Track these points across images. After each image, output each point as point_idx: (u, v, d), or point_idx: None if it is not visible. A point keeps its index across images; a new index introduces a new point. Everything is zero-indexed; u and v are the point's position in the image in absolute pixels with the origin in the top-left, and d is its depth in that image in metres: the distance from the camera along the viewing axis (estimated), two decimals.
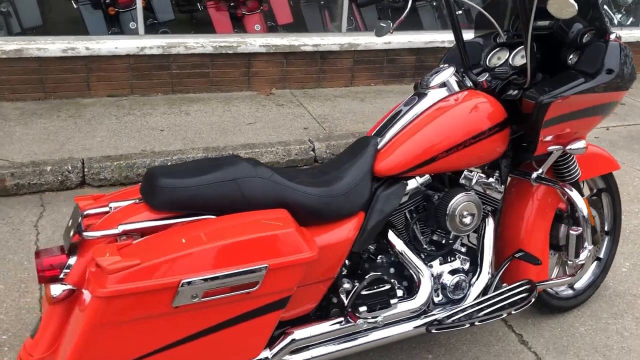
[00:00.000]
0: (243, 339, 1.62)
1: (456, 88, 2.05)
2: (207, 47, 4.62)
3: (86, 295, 1.54)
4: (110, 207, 1.78)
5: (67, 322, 1.64)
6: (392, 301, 1.87)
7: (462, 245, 2.15)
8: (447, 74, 2.05)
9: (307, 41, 4.92)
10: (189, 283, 1.46)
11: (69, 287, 1.59)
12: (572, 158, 2.21)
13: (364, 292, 1.84)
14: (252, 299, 1.57)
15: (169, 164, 3.45)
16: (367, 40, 5.07)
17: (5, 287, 2.49)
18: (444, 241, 2.10)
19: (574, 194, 2.08)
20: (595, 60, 1.91)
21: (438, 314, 2.01)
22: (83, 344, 1.43)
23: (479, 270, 2.10)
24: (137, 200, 1.74)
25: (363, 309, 1.83)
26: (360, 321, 1.82)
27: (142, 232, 1.64)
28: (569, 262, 2.15)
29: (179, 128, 4.06)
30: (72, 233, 1.62)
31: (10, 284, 2.51)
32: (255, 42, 4.78)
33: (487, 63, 2.25)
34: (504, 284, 2.15)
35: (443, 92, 2.04)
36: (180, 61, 4.62)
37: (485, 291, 2.09)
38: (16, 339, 2.21)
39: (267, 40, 4.85)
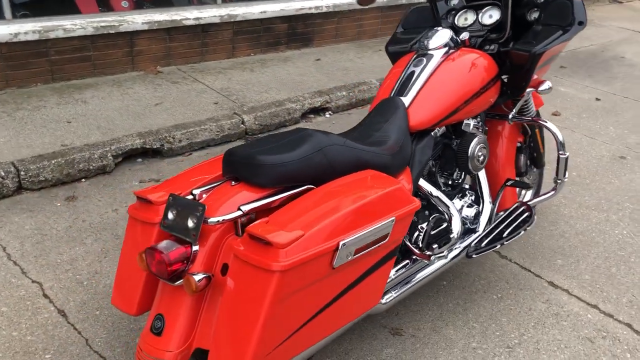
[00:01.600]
0: (372, 287, 1.79)
1: (452, 46, 2.35)
2: (87, 29, 4.30)
3: (230, 281, 1.57)
4: (194, 193, 1.80)
5: (198, 311, 1.66)
6: (451, 235, 2.16)
7: (465, 183, 2.51)
8: (446, 35, 2.34)
9: (188, 15, 4.82)
10: (345, 244, 1.59)
11: (207, 274, 1.61)
12: (530, 97, 2.67)
13: (432, 232, 2.10)
14: (382, 249, 1.74)
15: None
16: (244, 11, 5.12)
17: (9, 309, 2.26)
18: (451, 182, 2.43)
19: (550, 125, 2.53)
20: (564, 15, 2.34)
21: (465, 242, 2.35)
22: (268, 321, 1.48)
23: (482, 202, 2.48)
24: (233, 182, 1.77)
25: (435, 246, 2.10)
26: (433, 257, 2.09)
27: (256, 211, 1.71)
28: (557, 179, 2.62)
29: (85, 117, 3.79)
30: (192, 223, 1.61)
31: (13, 304, 2.28)
32: (136, 19, 4.56)
33: (456, 23, 2.59)
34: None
35: (444, 51, 2.33)
36: (59, 46, 4.24)
37: (490, 219, 2.48)
38: (61, 355, 2.06)
39: (148, 16, 4.65)
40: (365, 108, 4.49)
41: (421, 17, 2.71)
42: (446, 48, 2.33)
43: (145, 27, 4.59)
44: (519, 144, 2.77)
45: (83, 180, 3.20)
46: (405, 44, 2.63)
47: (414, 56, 2.37)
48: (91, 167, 3.19)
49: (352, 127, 2.26)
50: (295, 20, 5.51)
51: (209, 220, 1.61)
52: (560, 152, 2.48)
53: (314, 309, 1.62)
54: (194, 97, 4.28)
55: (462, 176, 2.44)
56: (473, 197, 2.47)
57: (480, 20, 2.52)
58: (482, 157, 2.33)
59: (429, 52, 2.34)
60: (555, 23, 2.37)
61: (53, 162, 3.07)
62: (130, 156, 3.42)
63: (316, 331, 1.66)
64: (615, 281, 2.68)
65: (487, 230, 2.40)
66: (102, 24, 4.38)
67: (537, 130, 2.78)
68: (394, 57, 2.64)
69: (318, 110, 4.28)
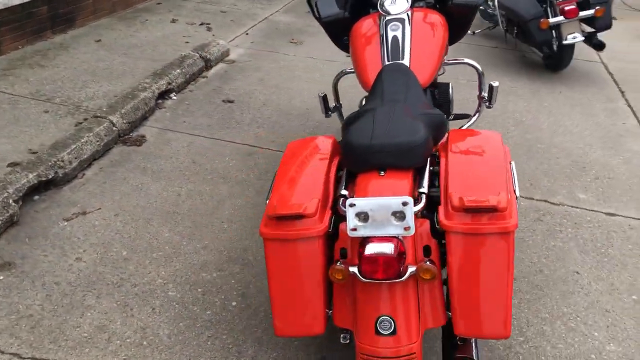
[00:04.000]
0: None
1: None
2: None
3: (456, 256, 1.68)
4: (343, 194, 1.80)
5: (416, 297, 1.72)
6: None
7: None
8: None
9: None
10: (517, 192, 1.83)
11: (430, 259, 1.69)
12: None
13: None
14: None
15: None
16: None
17: None
18: None
19: (468, 60, 3.01)
20: None
21: None
22: (512, 276, 1.67)
23: None
24: (381, 172, 1.81)
25: None
26: None
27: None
28: (489, 106, 3.12)
29: None
30: (397, 218, 1.65)
31: None
32: None
33: None
34: None
35: (408, 13, 2.57)
36: None
37: None
38: None
39: None
40: (199, 82, 4.34)
41: None
42: (409, 10, 2.59)
43: None
44: None
45: None
46: (335, 11, 2.78)
47: (383, 21, 2.56)
48: (0, 223, 2.51)
49: (367, 95, 2.37)
50: (56, 0, 4.78)
51: (416, 209, 1.67)
52: (493, 82, 3.02)
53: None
54: (11, 110, 3.53)
55: None
56: None
57: None
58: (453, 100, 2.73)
59: (397, 15, 2.56)
60: None
61: None
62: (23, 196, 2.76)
63: None
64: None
65: None
66: None
67: None
68: (330, 25, 2.78)
69: (163, 94, 3.98)
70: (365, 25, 2.63)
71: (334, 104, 3.13)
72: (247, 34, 5.49)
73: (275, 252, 1.75)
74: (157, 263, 2.46)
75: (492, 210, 1.66)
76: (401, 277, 1.66)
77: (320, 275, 1.75)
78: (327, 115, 3.17)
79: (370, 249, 1.65)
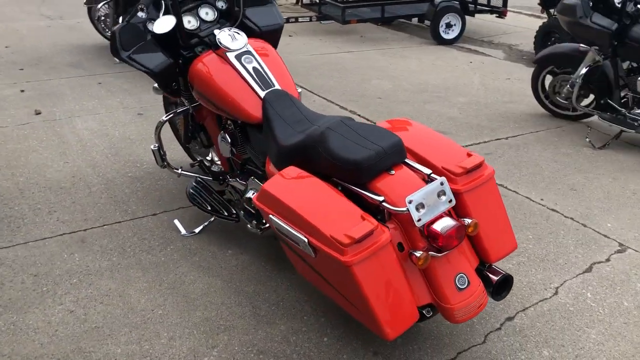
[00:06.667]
0: None
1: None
2: None
3: (471, 206, 2.17)
4: (378, 199, 2.11)
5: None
6: None
7: None
8: (238, 31, 2.74)
9: None
10: None
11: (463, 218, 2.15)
12: None
13: None
14: None
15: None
16: None
17: None
18: None
19: None
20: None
21: None
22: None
23: None
24: (391, 172, 2.14)
25: None
26: None
27: None
28: None
29: None
30: (443, 196, 2.05)
31: None
32: None
33: (203, 18, 2.86)
34: None
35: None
36: None
37: None
38: None
39: None
40: None
41: (132, 34, 2.77)
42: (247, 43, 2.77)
43: None
44: None
45: None
46: (161, 60, 2.77)
47: (232, 57, 2.67)
48: None
49: (273, 123, 2.50)
50: None
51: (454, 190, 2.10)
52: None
53: None
54: None
55: None
56: None
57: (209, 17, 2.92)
58: None
59: (242, 49, 2.72)
60: (256, 4, 3.08)
61: None
62: None
63: None
64: None
65: None
66: None
67: None
68: (161, 74, 2.76)
69: None
70: (208, 65, 2.70)
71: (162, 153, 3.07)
72: None
73: (365, 271, 1.92)
74: None
75: (480, 165, 2.21)
76: (464, 239, 2.07)
77: (401, 272, 2.01)
78: (163, 165, 3.08)
79: (440, 226, 2.01)
